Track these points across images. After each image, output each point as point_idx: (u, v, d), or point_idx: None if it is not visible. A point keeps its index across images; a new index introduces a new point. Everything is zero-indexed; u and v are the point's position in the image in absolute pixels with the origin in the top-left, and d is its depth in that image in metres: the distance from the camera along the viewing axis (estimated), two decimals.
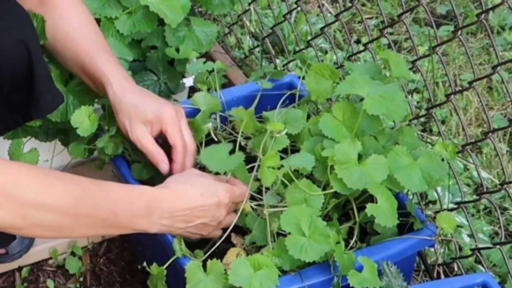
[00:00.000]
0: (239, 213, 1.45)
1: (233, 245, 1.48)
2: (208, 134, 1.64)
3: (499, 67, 1.53)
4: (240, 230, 1.49)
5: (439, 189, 1.81)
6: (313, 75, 1.58)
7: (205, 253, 1.43)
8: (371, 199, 1.39)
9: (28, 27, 1.43)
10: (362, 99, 1.43)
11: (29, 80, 1.44)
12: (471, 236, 1.78)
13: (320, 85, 1.57)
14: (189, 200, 1.38)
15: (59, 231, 1.27)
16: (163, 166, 1.52)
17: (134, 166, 1.60)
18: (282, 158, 1.48)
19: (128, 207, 1.31)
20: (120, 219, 1.31)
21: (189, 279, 1.36)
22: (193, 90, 1.79)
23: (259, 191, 1.54)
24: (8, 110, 1.48)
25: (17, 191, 1.17)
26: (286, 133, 1.49)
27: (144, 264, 1.43)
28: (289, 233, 1.35)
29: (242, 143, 1.61)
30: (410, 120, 1.73)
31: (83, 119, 1.58)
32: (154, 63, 1.85)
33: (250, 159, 1.52)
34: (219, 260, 1.38)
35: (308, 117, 1.60)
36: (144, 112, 1.50)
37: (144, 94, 1.55)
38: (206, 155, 1.49)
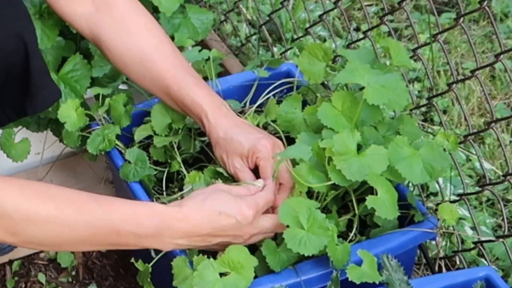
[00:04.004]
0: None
1: None
2: None
3: (502, 56, 1.51)
4: None
5: (440, 180, 1.81)
6: (307, 55, 1.56)
7: None
8: (371, 190, 1.37)
9: (25, 21, 1.40)
10: (362, 88, 1.41)
11: (25, 75, 1.41)
12: (473, 228, 1.78)
13: (313, 66, 1.55)
14: (204, 222, 1.31)
15: (55, 247, 1.26)
16: None
17: None
18: None
19: (134, 227, 1.26)
20: (124, 239, 1.26)
21: (176, 275, 1.34)
22: None
23: None
24: (1, 105, 1.45)
25: (5, 212, 1.15)
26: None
27: (133, 260, 1.41)
28: (287, 226, 1.32)
29: None
30: (411, 110, 1.72)
31: (70, 113, 1.55)
32: None
33: None
34: (209, 256, 1.35)
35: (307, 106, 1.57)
36: (240, 146, 1.45)
37: (240, 125, 1.48)
38: None
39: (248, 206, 1.34)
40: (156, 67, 1.49)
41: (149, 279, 1.39)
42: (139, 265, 1.40)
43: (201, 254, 1.34)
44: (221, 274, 1.29)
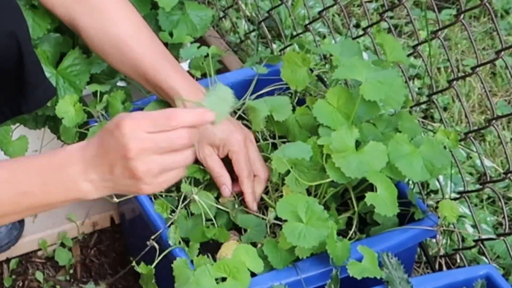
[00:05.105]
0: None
1: None
2: None
3: (502, 52, 1.51)
4: (234, 225, 1.47)
5: (441, 178, 1.80)
6: (287, 64, 1.57)
7: (201, 244, 1.40)
8: (371, 188, 1.36)
9: (18, 18, 1.39)
10: (359, 84, 1.40)
11: (18, 73, 1.40)
12: (474, 226, 1.76)
13: (296, 73, 1.56)
14: (91, 142, 1.17)
15: None
16: (225, 189, 1.48)
17: None
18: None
19: (39, 178, 1.16)
20: (34, 197, 1.16)
21: (177, 277, 1.32)
22: None
23: None
24: None
25: None
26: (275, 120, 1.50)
27: (134, 263, 1.40)
28: (286, 221, 1.32)
29: None
30: (411, 107, 1.71)
31: (68, 108, 1.54)
32: None
33: None
34: (208, 255, 1.35)
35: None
36: (212, 136, 1.46)
37: None
38: None
39: (124, 115, 1.16)
40: (133, 54, 1.50)
41: (153, 282, 1.38)
42: (142, 267, 1.39)
43: (201, 255, 1.34)
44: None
